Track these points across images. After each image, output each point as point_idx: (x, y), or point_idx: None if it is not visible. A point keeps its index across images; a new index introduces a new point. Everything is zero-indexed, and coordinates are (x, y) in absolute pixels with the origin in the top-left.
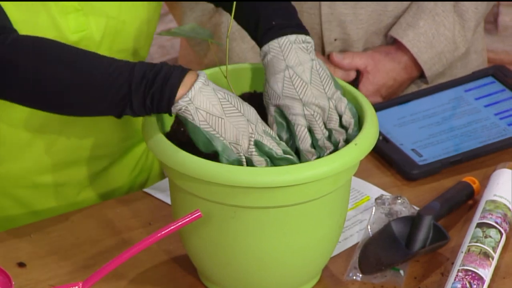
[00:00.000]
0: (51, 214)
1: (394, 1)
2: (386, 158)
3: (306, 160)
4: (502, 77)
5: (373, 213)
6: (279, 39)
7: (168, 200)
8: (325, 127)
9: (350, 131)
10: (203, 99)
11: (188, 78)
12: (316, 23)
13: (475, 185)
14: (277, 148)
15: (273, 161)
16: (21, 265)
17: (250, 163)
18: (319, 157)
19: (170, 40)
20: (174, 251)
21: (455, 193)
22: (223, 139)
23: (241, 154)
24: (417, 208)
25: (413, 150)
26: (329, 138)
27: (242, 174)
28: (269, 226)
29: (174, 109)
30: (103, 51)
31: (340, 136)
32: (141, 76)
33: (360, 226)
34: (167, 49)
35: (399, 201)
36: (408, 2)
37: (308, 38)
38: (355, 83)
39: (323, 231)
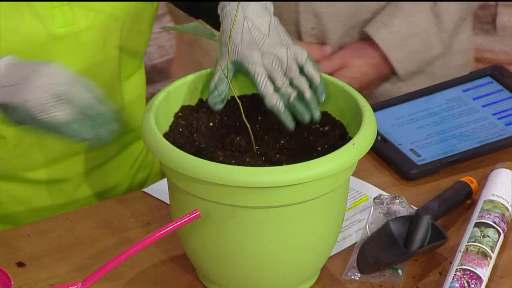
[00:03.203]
0: (49, 211)
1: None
2: (385, 158)
3: (273, 106)
4: (500, 77)
5: (371, 212)
6: None
7: (167, 199)
8: (285, 76)
9: (317, 83)
10: None
11: None
12: (293, 11)
13: (473, 185)
14: None
15: None
16: (21, 264)
17: None
18: (284, 103)
19: (169, 40)
20: (173, 250)
21: (453, 192)
22: None
23: None
24: (416, 208)
25: (411, 150)
26: (291, 85)
27: (240, 174)
28: (268, 225)
29: None
30: (94, 45)
31: (302, 84)
32: None
33: (358, 226)
34: (166, 49)
35: (398, 200)
36: None
37: (268, 3)
38: None
39: (322, 231)
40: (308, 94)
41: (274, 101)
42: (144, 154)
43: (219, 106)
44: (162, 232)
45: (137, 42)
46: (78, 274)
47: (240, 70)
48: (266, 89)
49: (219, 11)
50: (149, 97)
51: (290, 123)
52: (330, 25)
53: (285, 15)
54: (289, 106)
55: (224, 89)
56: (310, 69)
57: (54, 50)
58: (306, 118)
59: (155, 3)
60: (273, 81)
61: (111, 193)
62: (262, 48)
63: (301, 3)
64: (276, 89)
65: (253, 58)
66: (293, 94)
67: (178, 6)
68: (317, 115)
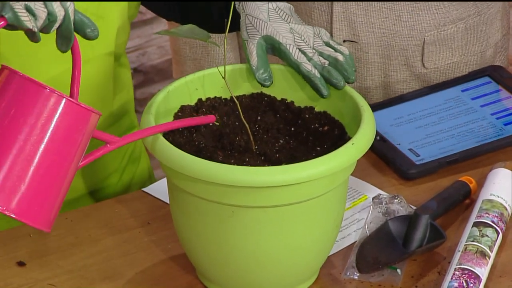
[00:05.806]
0: None
1: (406, 0)
2: (384, 158)
3: (309, 72)
4: (498, 77)
5: (370, 212)
6: None
7: (166, 199)
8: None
9: (346, 54)
10: None
11: None
12: (326, 21)
13: (472, 185)
14: None
15: None
16: (21, 264)
17: None
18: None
19: (168, 40)
20: (172, 250)
21: (452, 192)
22: None
23: None
24: (414, 207)
25: (410, 149)
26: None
27: (239, 173)
28: (267, 225)
29: None
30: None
31: (332, 52)
32: None
33: (357, 225)
34: (166, 49)
35: (396, 200)
36: (421, 13)
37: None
38: None
39: (321, 230)
40: (341, 57)
41: (309, 67)
42: (133, 146)
43: (268, 82)
44: (178, 124)
45: (121, 37)
46: (78, 274)
47: (271, 44)
48: (299, 57)
49: (237, 6)
50: (149, 97)
51: (325, 90)
52: (365, 36)
53: (317, 26)
54: (322, 75)
55: (266, 66)
56: (335, 44)
57: (44, 44)
58: (341, 83)
59: (137, 2)
60: (303, 53)
61: (102, 192)
62: (290, 24)
63: (335, 11)
64: (308, 59)
65: (283, 31)
66: (326, 62)
67: (154, 10)
68: (352, 78)
